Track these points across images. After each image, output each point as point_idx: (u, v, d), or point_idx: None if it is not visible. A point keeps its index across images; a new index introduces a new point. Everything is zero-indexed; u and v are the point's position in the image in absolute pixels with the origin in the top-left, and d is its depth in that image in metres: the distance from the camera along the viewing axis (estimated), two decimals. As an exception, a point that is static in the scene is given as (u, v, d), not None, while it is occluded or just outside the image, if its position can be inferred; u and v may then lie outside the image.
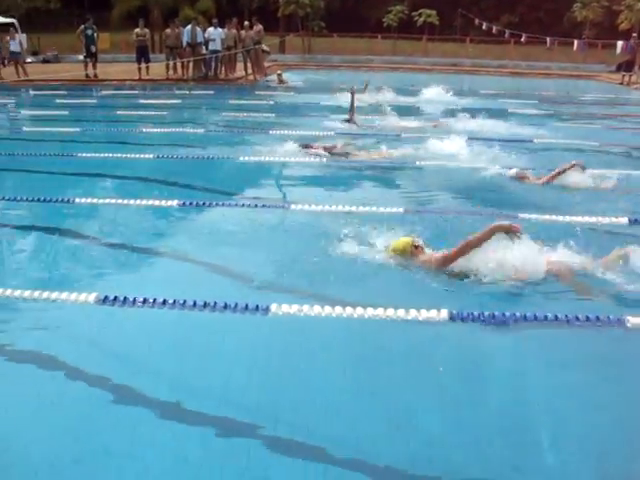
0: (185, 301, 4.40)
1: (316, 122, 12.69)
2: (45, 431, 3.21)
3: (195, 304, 4.37)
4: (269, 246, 5.73)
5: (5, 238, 6.21)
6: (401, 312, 4.24)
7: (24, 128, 13.13)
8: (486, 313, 4.24)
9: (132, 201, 7.00)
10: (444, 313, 4.22)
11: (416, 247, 5.06)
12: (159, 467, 2.92)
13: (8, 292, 4.57)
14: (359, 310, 4.26)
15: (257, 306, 4.32)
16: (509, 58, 33.40)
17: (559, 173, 7.93)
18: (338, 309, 4.26)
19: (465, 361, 3.95)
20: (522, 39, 33.08)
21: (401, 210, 6.69)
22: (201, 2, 37.06)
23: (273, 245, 5.77)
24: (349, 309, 4.26)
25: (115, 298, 4.44)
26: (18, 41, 21.59)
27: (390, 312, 4.23)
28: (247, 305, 4.33)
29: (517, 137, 11.26)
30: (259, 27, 22.45)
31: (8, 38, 21.58)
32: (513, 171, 8.22)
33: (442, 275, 4.87)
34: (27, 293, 4.53)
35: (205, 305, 4.36)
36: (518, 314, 4.24)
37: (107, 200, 7.15)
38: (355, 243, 5.43)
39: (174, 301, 4.40)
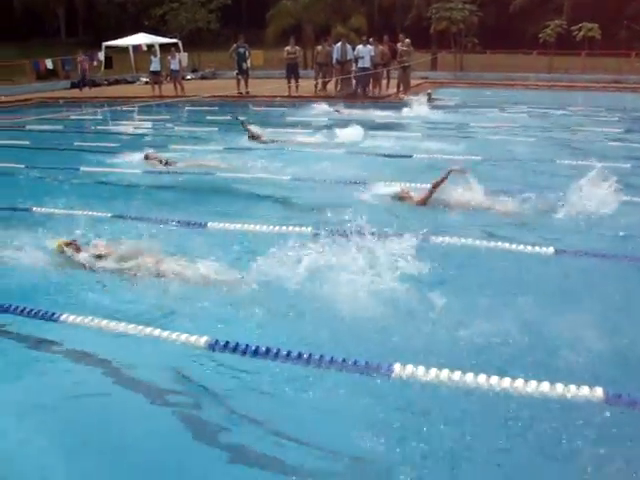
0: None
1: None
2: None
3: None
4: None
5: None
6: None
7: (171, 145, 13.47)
8: None
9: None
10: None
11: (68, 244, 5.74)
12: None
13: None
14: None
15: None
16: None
17: (435, 187, 7.53)
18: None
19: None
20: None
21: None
22: (353, 19, 37.41)
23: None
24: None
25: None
26: (178, 60, 22.85)
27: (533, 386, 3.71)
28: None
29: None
30: (406, 42, 22.14)
31: (169, 57, 22.86)
32: (396, 189, 7.82)
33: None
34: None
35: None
36: None
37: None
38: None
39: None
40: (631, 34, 40.52)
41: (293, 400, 3.78)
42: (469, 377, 3.75)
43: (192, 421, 3.63)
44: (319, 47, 22.62)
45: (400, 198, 7.78)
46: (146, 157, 10.70)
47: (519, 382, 3.69)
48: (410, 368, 3.84)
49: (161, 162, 10.49)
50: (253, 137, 12.66)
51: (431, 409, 3.63)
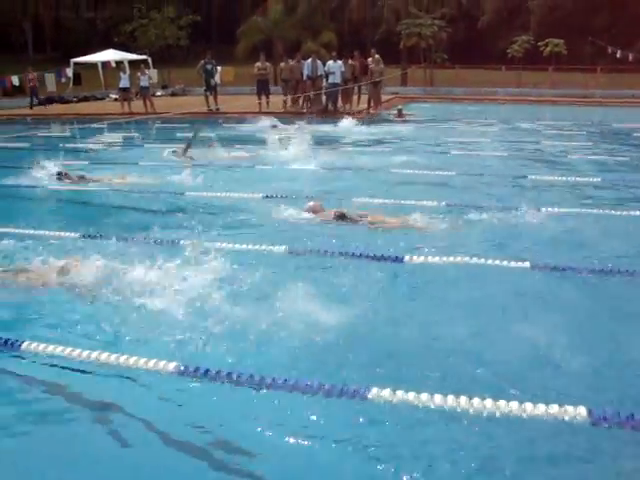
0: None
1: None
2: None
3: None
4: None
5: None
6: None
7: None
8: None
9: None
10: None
11: None
12: None
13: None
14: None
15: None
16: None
17: None
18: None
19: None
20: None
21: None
22: (323, 35, 37.59)
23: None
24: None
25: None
26: (147, 77, 22.67)
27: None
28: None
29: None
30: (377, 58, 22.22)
31: (139, 74, 22.69)
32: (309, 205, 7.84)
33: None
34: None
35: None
36: None
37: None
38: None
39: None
40: (595, 50, 41.21)
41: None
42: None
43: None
44: (282, 64, 22.61)
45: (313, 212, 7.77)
46: (59, 174, 10.50)
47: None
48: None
49: (74, 179, 10.50)
50: (178, 154, 12.57)
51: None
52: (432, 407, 3.61)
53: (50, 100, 28.86)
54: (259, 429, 3.53)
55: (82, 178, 10.56)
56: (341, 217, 7.50)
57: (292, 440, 3.46)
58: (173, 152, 12.77)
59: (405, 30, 38.58)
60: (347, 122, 17.88)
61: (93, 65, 32.40)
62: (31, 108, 25.55)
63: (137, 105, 22.97)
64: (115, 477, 3.30)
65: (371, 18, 51.15)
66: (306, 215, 7.72)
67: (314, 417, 3.64)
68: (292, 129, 16.21)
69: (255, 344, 4.46)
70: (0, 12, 40.72)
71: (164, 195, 9.51)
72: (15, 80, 27.51)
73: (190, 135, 13.53)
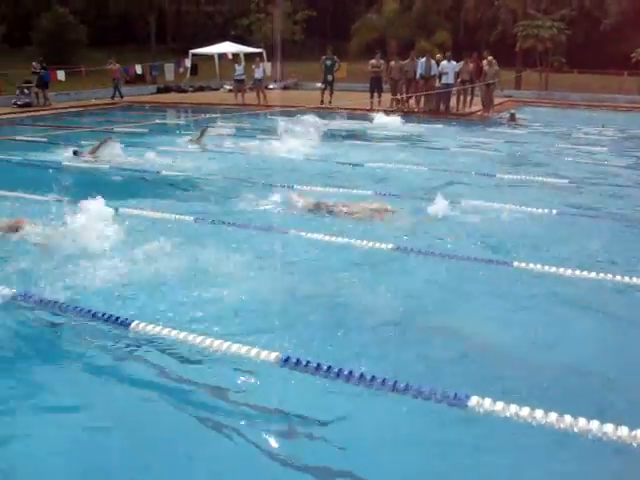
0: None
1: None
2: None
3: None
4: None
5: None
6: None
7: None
8: None
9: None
10: None
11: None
12: None
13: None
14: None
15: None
16: None
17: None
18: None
19: None
20: None
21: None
22: (437, 35, 37.17)
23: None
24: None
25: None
26: (262, 69, 23.18)
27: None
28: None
29: None
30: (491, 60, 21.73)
31: (254, 66, 23.26)
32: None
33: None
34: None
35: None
36: None
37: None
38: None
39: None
40: None
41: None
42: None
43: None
44: (392, 62, 22.49)
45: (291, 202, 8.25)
46: (75, 153, 12.33)
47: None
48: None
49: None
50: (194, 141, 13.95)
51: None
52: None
53: (167, 89, 30.10)
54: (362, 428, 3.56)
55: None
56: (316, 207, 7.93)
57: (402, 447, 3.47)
58: (190, 140, 14.12)
59: (522, 32, 37.43)
60: (457, 124, 17.67)
61: (210, 57, 33.47)
62: (112, 99, 25.69)
63: (250, 97, 23.56)
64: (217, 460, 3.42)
65: (486, 19, 50.02)
66: None
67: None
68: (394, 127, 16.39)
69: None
70: (128, 5, 42.63)
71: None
72: (138, 69, 28.75)
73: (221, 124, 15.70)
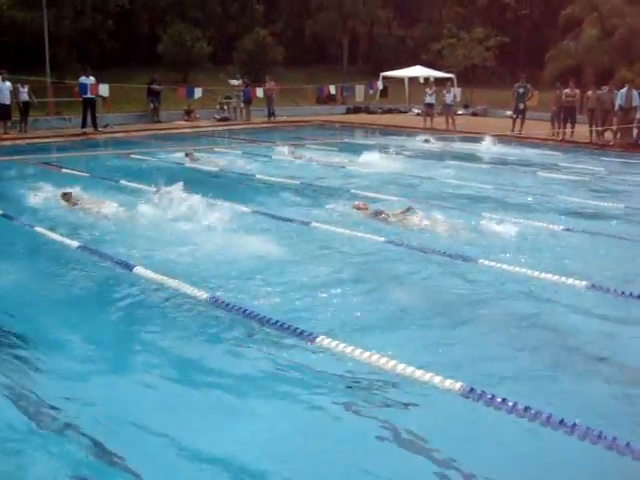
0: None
1: None
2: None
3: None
4: None
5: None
6: None
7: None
8: None
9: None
10: None
11: None
12: None
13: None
14: None
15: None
16: None
17: None
18: None
19: None
20: None
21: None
22: (641, 64, 35.06)
23: None
24: None
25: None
26: (452, 94, 23.31)
27: None
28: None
29: None
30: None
31: (444, 91, 23.43)
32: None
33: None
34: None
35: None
36: None
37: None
38: None
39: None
40: None
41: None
42: None
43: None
44: (589, 92, 21.57)
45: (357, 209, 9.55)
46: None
47: None
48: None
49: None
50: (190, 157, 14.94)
51: None
52: None
53: (357, 109, 31.08)
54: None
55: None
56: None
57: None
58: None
59: None
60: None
61: (399, 80, 34.09)
62: (269, 118, 26.32)
63: (438, 121, 23.73)
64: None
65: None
66: None
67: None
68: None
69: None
70: (323, 28, 44.55)
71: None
72: (332, 89, 29.91)
73: None
